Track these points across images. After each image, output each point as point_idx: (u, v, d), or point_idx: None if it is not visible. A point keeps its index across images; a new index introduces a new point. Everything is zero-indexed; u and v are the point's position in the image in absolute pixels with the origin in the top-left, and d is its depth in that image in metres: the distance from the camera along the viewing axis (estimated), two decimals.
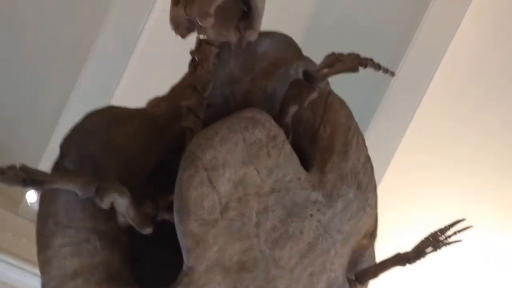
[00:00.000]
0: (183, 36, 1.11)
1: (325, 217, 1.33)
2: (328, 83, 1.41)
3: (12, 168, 0.90)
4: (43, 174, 0.95)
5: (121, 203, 1.04)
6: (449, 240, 1.50)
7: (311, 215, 1.30)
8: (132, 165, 1.15)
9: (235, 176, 1.15)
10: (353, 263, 1.50)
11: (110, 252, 1.11)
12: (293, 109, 1.30)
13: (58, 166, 1.07)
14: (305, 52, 1.43)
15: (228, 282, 1.16)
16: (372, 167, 1.50)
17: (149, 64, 2.60)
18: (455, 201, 2.63)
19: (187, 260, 1.11)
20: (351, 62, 1.32)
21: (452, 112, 2.62)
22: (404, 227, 2.51)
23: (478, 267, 2.77)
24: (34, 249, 1.07)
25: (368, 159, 1.49)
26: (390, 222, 2.47)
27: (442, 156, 2.64)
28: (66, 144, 1.09)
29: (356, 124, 1.47)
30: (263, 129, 1.19)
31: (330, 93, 1.43)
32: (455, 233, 1.50)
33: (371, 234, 1.54)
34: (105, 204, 1.02)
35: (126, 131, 1.14)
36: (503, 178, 2.68)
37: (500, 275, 2.77)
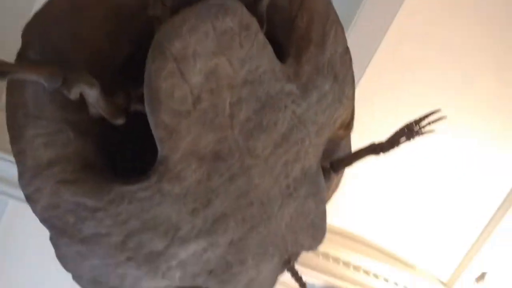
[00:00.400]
0: None
1: (300, 108, 1.34)
2: None
3: None
4: (4, 64, 0.93)
5: (91, 94, 1.04)
6: (423, 130, 1.52)
7: (286, 106, 1.31)
8: (100, 56, 1.12)
9: (207, 67, 1.13)
10: (328, 152, 1.53)
11: (83, 142, 1.12)
12: None
13: (21, 56, 1.05)
14: None
15: (203, 170, 1.20)
16: (350, 59, 1.47)
17: None
18: (435, 95, 2.64)
19: (161, 150, 1.13)
20: None
21: (440, 4, 2.53)
22: (383, 122, 2.55)
23: (450, 160, 2.87)
24: None
25: (346, 51, 1.46)
26: (370, 116, 2.51)
27: (426, 50, 2.59)
28: (28, 34, 1.05)
29: (336, 14, 1.42)
30: (235, 17, 1.14)
31: None
32: (429, 123, 1.52)
33: (347, 125, 1.56)
34: (73, 95, 1.01)
35: (92, 20, 1.10)
36: (487, 71, 2.66)
37: (470, 168, 2.90)
